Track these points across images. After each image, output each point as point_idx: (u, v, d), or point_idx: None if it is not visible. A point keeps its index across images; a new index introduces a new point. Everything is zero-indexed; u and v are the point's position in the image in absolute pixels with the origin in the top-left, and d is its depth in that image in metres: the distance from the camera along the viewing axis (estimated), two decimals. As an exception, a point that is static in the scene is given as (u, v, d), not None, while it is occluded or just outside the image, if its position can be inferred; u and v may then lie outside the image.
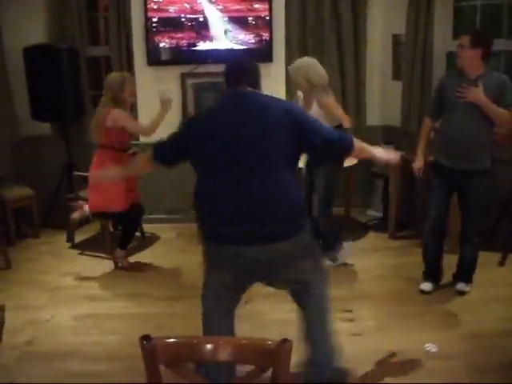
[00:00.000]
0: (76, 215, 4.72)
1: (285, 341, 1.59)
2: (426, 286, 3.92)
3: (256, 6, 5.05)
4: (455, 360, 3.09)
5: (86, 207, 4.47)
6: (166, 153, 2.70)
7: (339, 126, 3.96)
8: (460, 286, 3.89)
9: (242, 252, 2.46)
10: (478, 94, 3.42)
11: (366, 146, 2.76)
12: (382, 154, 2.83)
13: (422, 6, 4.86)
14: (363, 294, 3.95)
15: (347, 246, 4.47)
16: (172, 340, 1.64)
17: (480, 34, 3.55)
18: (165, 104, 4.26)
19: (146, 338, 1.63)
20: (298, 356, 3.09)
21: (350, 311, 3.67)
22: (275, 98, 2.67)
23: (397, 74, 5.32)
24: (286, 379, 1.58)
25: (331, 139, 2.56)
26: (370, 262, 4.50)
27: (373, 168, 5.33)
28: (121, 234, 4.54)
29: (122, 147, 4.27)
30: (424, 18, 4.87)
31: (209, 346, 1.60)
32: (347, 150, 2.62)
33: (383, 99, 5.53)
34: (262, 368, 1.61)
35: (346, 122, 4.15)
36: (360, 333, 3.42)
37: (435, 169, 3.80)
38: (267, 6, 5.04)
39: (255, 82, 2.65)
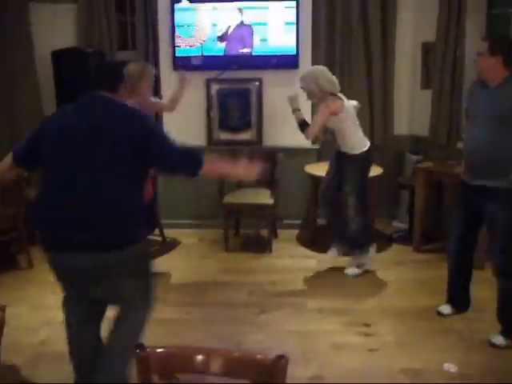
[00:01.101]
0: None
1: (280, 357, 1.53)
2: (445, 308, 3.68)
3: (283, 12, 5.01)
4: (474, 381, 2.96)
5: None
6: (23, 154, 2.57)
7: None
8: (495, 338, 3.33)
9: (62, 259, 2.41)
10: None
11: (220, 166, 2.70)
12: (240, 171, 2.68)
13: (454, 13, 4.75)
14: (383, 308, 3.83)
15: (372, 250, 4.39)
16: (165, 350, 1.60)
17: (499, 40, 3.30)
18: (182, 82, 4.40)
19: (139, 346, 1.60)
20: (309, 369, 3.06)
21: (368, 325, 3.58)
22: (126, 106, 2.57)
23: (426, 83, 5.20)
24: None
25: (174, 155, 2.49)
26: (392, 275, 4.39)
27: (399, 178, 5.23)
28: None
29: None
30: (455, 25, 4.76)
31: (201, 358, 1.56)
32: (190, 168, 2.54)
33: (412, 108, 5.42)
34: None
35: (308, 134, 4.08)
36: (377, 348, 3.32)
37: (461, 184, 3.53)
38: (294, 12, 4.99)
39: (112, 86, 2.57)
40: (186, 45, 5.14)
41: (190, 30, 5.12)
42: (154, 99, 4.31)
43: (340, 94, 4.11)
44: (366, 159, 4.20)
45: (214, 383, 1.75)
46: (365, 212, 4.27)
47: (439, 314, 3.67)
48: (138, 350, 1.59)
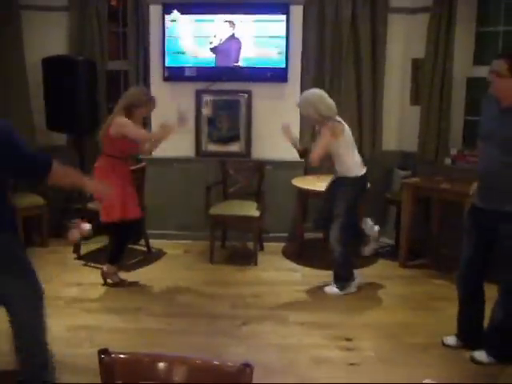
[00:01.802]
0: (75, 235, 4.29)
1: (246, 365, 1.50)
2: (450, 340, 3.44)
3: (273, 25, 5.04)
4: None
5: (85, 226, 4.21)
6: None
7: None
8: (478, 354, 3.24)
9: None
10: None
11: (71, 173, 2.75)
12: (92, 187, 3.01)
13: (443, 30, 4.79)
14: (366, 323, 3.80)
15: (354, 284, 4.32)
16: (129, 356, 1.57)
17: None
18: (180, 122, 4.22)
19: (103, 351, 1.57)
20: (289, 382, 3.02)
21: (350, 340, 3.55)
22: None
23: (416, 99, 5.22)
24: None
25: (23, 159, 2.48)
26: (377, 290, 4.36)
27: (386, 194, 5.22)
28: (110, 248, 4.45)
29: (122, 156, 4.19)
30: (444, 42, 4.79)
31: (165, 365, 1.53)
32: (37, 170, 2.55)
33: (401, 124, 5.44)
34: (222, 392, 1.52)
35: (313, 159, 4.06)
36: (358, 363, 3.28)
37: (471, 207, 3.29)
38: (284, 26, 5.02)
39: None
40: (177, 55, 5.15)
41: (180, 42, 5.14)
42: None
43: (338, 118, 4.10)
44: (359, 184, 4.17)
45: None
46: (347, 243, 4.17)
47: (443, 344, 3.45)
48: (102, 355, 1.56)
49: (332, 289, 4.27)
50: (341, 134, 4.02)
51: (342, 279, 4.26)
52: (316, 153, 4.00)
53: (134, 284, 4.41)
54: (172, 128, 4.16)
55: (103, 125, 4.25)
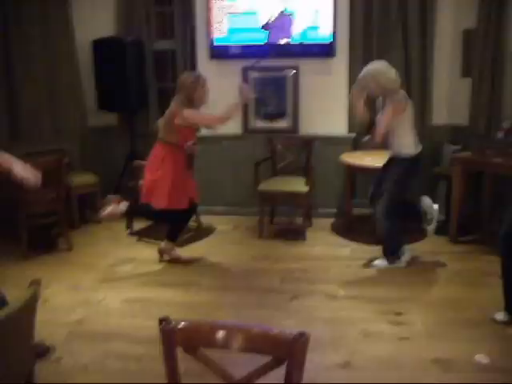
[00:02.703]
0: (105, 212, 4.20)
1: (301, 334, 1.54)
2: (500, 315, 3.39)
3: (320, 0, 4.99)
4: (508, 374, 2.91)
5: (122, 204, 4.23)
6: None
7: None
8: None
9: None
10: None
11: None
12: (20, 169, 2.87)
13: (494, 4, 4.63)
14: (415, 298, 3.78)
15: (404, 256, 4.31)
16: (189, 324, 1.63)
17: None
18: (244, 99, 4.24)
19: (164, 319, 1.64)
20: (338, 355, 3.07)
21: (399, 314, 3.54)
22: None
23: (466, 71, 5.08)
24: (300, 374, 1.53)
25: None
26: (427, 265, 4.33)
27: (436, 168, 5.14)
28: (169, 226, 4.48)
29: (183, 143, 4.21)
30: (496, 12, 4.63)
31: (223, 333, 1.59)
32: None
33: (451, 97, 5.30)
34: (278, 360, 1.57)
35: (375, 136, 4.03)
36: (408, 337, 3.28)
37: None
38: (331, 0, 4.96)
39: None
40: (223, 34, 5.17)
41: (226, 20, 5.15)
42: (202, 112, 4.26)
43: (402, 91, 4.04)
44: (413, 163, 4.11)
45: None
46: (394, 218, 4.15)
47: (493, 320, 3.40)
48: (162, 323, 1.63)
49: (381, 262, 4.28)
50: (404, 111, 3.97)
51: (390, 253, 4.26)
52: (380, 130, 3.98)
53: (191, 262, 4.49)
54: (238, 105, 4.21)
55: (164, 116, 4.25)
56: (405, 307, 3.63)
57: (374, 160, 4.74)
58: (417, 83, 5.18)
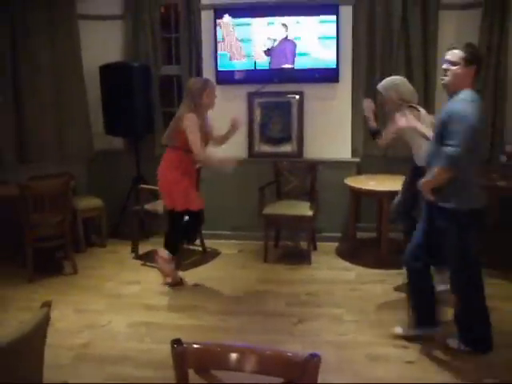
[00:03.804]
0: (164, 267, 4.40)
1: (313, 356, 1.55)
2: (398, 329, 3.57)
3: (324, 26, 5.08)
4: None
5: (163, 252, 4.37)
6: None
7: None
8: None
9: None
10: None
11: None
12: None
13: (496, 25, 4.71)
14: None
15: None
16: (201, 346, 1.65)
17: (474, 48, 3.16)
18: (235, 125, 4.37)
19: (176, 341, 1.65)
20: (345, 379, 3.05)
21: (405, 337, 3.53)
22: None
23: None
24: (312, 395, 1.54)
25: None
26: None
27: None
28: (167, 235, 4.45)
29: (190, 149, 4.18)
30: (497, 37, 4.72)
31: (236, 355, 1.60)
32: None
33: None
34: (289, 382, 1.58)
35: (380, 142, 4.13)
36: (413, 361, 3.27)
37: None
38: (335, 26, 5.06)
39: None
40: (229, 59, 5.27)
41: (231, 45, 5.25)
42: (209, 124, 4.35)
43: (418, 106, 4.09)
44: None
45: (247, 383, 1.78)
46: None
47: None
48: (175, 345, 1.64)
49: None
50: (415, 120, 3.99)
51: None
52: (384, 139, 4.05)
53: (194, 284, 4.52)
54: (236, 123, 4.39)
55: (173, 119, 4.29)
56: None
57: (378, 184, 4.78)
58: (420, 105, 5.21)
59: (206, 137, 4.31)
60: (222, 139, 4.47)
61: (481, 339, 3.32)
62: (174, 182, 4.24)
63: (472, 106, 3.00)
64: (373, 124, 4.26)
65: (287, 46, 5.19)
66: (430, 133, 3.59)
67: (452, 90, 3.14)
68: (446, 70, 3.14)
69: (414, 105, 4.06)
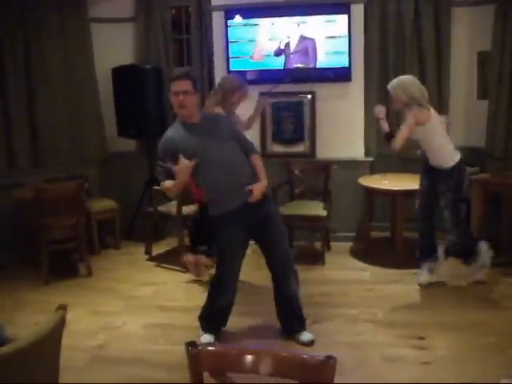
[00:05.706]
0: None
1: (329, 358, 1.54)
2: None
3: (335, 25, 5.06)
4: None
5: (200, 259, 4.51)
6: None
7: None
8: None
9: None
10: None
11: None
12: None
13: (509, 21, 4.65)
14: (439, 322, 3.73)
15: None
16: (216, 348, 1.64)
17: None
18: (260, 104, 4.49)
19: (191, 344, 1.65)
20: (361, 380, 3.03)
21: (422, 338, 3.51)
22: None
23: (483, 93, 5.10)
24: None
25: None
26: (448, 289, 4.29)
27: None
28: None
29: None
30: (511, 35, 4.65)
31: (251, 358, 1.59)
32: None
33: (467, 119, 5.31)
34: (305, 384, 1.57)
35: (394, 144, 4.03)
36: (431, 361, 3.24)
37: None
38: (346, 25, 5.03)
39: None
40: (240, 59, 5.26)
41: (246, 46, 5.24)
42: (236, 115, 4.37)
43: (428, 106, 4.06)
44: (457, 172, 4.09)
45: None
46: (462, 223, 4.22)
47: None
48: (189, 347, 1.63)
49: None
50: (427, 120, 3.97)
51: (470, 253, 4.28)
52: (398, 140, 3.99)
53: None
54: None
55: None
56: (427, 331, 3.59)
57: (392, 183, 4.75)
58: (433, 105, 5.15)
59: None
60: (250, 122, 4.53)
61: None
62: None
63: None
64: (385, 127, 4.22)
65: (308, 44, 5.15)
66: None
67: None
68: None
69: (424, 104, 4.02)
